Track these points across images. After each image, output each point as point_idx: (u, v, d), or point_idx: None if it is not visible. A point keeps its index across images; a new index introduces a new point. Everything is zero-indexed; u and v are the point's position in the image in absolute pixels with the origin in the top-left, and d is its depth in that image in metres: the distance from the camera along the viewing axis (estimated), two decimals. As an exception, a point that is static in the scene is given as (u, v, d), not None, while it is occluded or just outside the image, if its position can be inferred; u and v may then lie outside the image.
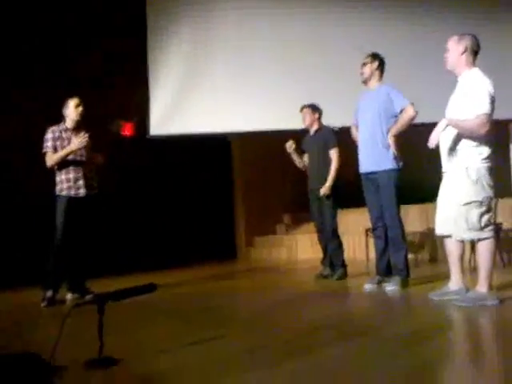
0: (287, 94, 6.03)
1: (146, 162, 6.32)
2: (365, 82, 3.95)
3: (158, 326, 3.08)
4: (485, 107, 3.01)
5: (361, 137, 3.94)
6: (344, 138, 4.43)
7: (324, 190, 4.49)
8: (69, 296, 4.01)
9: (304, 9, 6.23)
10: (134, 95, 6.28)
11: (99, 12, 6.13)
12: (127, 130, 6.99)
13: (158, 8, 6.29)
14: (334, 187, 4.52)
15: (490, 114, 3.04)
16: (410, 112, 3.71)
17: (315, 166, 4.66)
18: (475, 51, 3.17)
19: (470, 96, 3.07)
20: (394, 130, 3.74)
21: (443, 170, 3.28)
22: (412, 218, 5.54)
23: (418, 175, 5.48)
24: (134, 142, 6.38)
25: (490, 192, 3.12)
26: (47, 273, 3.92)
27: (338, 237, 4.63)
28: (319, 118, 4.71)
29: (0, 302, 4.34)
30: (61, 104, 4.06)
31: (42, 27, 5.85)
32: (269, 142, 6.93)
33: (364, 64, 3.92)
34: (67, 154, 3.92)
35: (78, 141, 3.87)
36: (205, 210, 6.88)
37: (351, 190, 4.51)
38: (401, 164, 3.82)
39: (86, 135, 3.91)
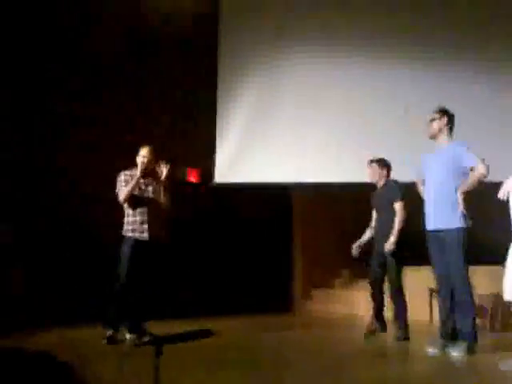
0: (351, 147, 6.06)
1: (207, 209, 6.46)
2: (433, 137, 3.91)
3: (213, 371, 3.06)
4: None
5: (428, 193, 3.86)
6: (409, 193, 4.35)
7: (388, 245, 4.36)
8: (127, 336, 4.06)
9: (375, 59, 6.29)
10: (201, 143, 6.54)
11: (174, 64, 6.50)
12: (193, 176, 7.21)
13: (229, 60, 6.57)
14: (399, 243, 4.39)
15: None
16: (481, 170, 3.60)
17: (381, 220, 4.58)
18: None
19: None
20: (464, 188, 3.63)
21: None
22: (480, 280, 5.25)
23: (487, 235, 5.25)
24: (197, 190, 6.57)
25: None
26: (109, 312, 4.04)
27: (403, 295, 4.45)
28: (387, 174, 4.65)
29: (63, 336, 4.48)
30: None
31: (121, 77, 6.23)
32: (330, 195, 6.96)
33: (432, 120, 3.89)
34: (136, 182, 4.12)
35: (139, 167, 4.11)
36: (263, 259, 6.86)
37: (414, 246, 4.37)
38: (470, 223, 3.69)
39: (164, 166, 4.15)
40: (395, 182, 4.63)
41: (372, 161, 4.69)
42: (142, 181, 4.22)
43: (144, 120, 6.17)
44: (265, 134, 6.41)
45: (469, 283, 3.67)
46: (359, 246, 4.69)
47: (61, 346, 4.02)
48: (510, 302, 3.15)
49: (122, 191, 4.17)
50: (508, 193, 3.07)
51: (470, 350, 3.53)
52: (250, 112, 6.55)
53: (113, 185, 4.22)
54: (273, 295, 6.66)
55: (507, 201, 3.14)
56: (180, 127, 6.37)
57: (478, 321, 3.90)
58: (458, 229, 3.66)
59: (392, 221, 4.43)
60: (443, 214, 3.72)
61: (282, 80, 6.47)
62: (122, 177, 4.24)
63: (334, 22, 6.40)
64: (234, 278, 6.56)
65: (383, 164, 4.65)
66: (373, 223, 4.72)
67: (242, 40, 6.63)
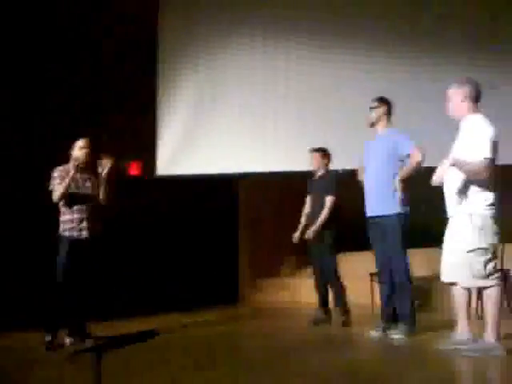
0: (293, 136, 6.11)
1: (149, 202, 6.31)
2: (372, 125, 3.99)
3: (157, 372, 3.00)
4: (486, 152, 3.04)
5: (367, 180, 3.95)
6: (350, 181, 4.44)
7: (309, 233, 4.55)
8: (67, 340, 3.89)
9: (315, 53, 6.33)
10: (142, 136, 6.37)
11: (109, 55, 6.28)
12: (134, 169, 7.05)
13: (168, 50, 6.52)
14: (332, 230, 4.53)
15: (492, 159, 3.06)
16: (416, 158, 3.72)
17: (315, 209, 4.68)
18: (475, 97, 3.22)
19: (472, 141, 3.10)
20: (402, 175, 3.74)
21: (448, 214, 3.27)
22: (418, 263, 5.46)
23: (424, 219, 5.45)
24: (138, 182, 6.41)
25: (494, 239, 3.10)
26: (47, 316, 3.86)
27: (340, 280, 4.58)
28: (327, 164, 4.74)
29: (3, 343, 4.24)
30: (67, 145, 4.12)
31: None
32: (273, 184, 7.01)
33: (371, 108, 3.97)
34: (71, 179, 3.89)
35: (72, 164, 3.90)
36: (209, 253, 6.82)
37: (355, 233, 4.49)
38: (408, 209, 3.81)
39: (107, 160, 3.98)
40: (332, 174, 4.73)
41: (314, 149, 4.76)
42: (79, 175, 4.02)
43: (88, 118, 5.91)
44: (206, 126, 6.38)
45: (407, 267, 3.80)
46: (300, 233, 4.76)
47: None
48: (447, 283, 3.28)
49: (57, 189, 3.94)
50: (442, 178, 3.18)
51: (410, 331, 3.67)
52: (190, 104, 6.49)
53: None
54: (219, 287, 6.65)
55: (442, 185, 3.26)
56: (120, 121, 6.17)
57: (416, 302, 4.04)
58: (396, 214, 3.77)
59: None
60: (382, 200, 3.82)
61: (222, 73, 6.44)
62: (56, 173, 3.99)
63: (275, 12, 6.39)
64: (180, 272, 6.48)
65: (323, 153, 4.73)
66: (307, 209, 4.81)
67: (180, 33, 6.55)
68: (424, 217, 5.45)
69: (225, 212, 7.12)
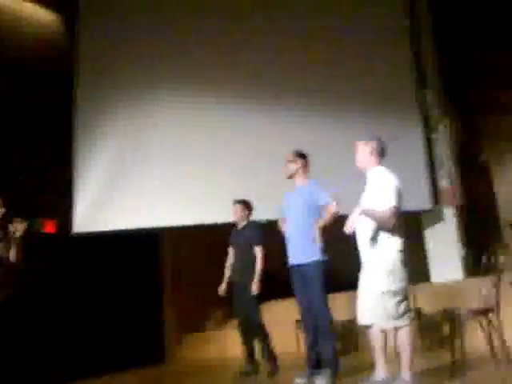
0: (215, 188, 6.21)
1: (66, 260, 6.03)
2: (289, 177, 4.16)
3: None
4: (392, 200, 3.31)
5: (289, 230, 4.09)
6: (271, 231, 4.55)
7: (254, 288, 4.54)
8: None
9: (235, 104, 6.57)
10: (56, 192, 6.15)
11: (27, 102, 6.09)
12: (49, 227, 6.72)
13: (85, 105, 6.35)
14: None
15: (398, 207, 3.33)
16: (332, 209, 3.91)
17: (239, 259, 4.73)
18: (380, 152, 3.53)
19: (379, 191, 3.37)
20: (320, 224, 3.90)
21: (362, 260, 3.47)
22: (340, 306, 5.62)
23: (343, 263, 5.68)
24: (54, 241, 6.14)
25: (403, 283, 3.33)
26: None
27: (265, 330, 4.61)
28: (249, 215, 4.85)
29: None
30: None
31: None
32: (198, 237, 6.99)
33: (288, 161, 4.16)
34: None
35: None
36: (132, 311, 6.56)
37: (278, 281, 4.58)
38: (326, 256, 3.95)
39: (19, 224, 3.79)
40: (256, 224, 4.85)
41: (236, 201, 4.87)
42: None
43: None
44: (127, 181, 6.25)
45: (328, 312, 3.91)
46: (225, 285, 4.78)
47: None
48: (363, 326, 3.42)
49: None
50: (353, 226, 3.38)
51: (333, 377, 3.75)
52: (109, 158, 6.33)
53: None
54: (144, 346, 6.40)
55: (354, 232, 3.47)
56: (33, 175, 5.94)
57: (338, 346, 4.14)
58: (316, 262, 3.91)
59: (251, 261, 4.62)
60: (302, 248, 3.96)
61: (143, 123, 6.43)
62: None
63: (196, 57, 6.57)
64: (102, 334, 6.15)
65: (245, 205, 4.85)
66: (229, 261, 4.87)
67: (100, 83, 6.43)
68: (344, 261, 5.69)
69: (148, 267, 6.96)
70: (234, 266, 4.80)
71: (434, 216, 7.36)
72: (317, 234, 3.88)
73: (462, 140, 7.98)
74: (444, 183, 7.33)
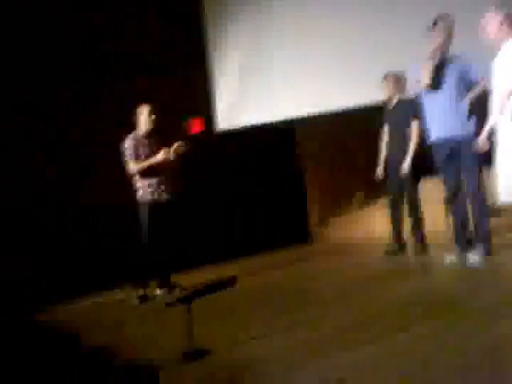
0: (349, 71, 5.95)
1: (213, 157, 6.47)
2: (433, 53, 3.76)
3: (244, 315, 3.21)
4: None
5: (434, 102, 3.79)
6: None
7: (405, 167, 4.39)
8: (158, 292, 4.23)
9: None
10: (197, 92, 6.46)
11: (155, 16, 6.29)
12: (196, 126, 7.18)
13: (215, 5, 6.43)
14: (413, 159, 4.39)
15: None
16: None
17: (395, 139, 4.54)
18: None
19: None
20: (470, 97, 3.63)
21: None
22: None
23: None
24: (198, 139, 6.57)
25: None
26: (138, 273, 4.20)
27: (420, 210, 4.51)
28: (402, 90, 4.56)
29: (95, 302, 4.67)
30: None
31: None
32: (335, 122, 6.91)
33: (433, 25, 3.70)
34: (151, 165, 4.12)
35: (163, 155, 4.08)
36: (278, 197, 6.94)
37: (426, 158, 4.36)
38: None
39: (178, 145, 4.13)
40: (409, 99, 4.51)
41: (387, 74, 4.58)
42: (146, 141, 4.20)
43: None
44: (258, 74, 6.34)
45: (483, 188, 3.70)
46: (382, 166, 4.65)
47: (92, 312, 4.24)
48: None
49: (134, 165, 4.11)
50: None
51: (486, 252, 3.63)
52: (242, 53, 6.42)
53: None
54: (290, 228, 6.81)
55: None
56: (172, 80, 6.28)
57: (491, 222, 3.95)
58: (471, 134, 3.63)
59: (406, 138, 4.41)
60: (453, 121, 3.70)
61: (271, 17, 6.30)
62: (129, 142, 4.15)
63: None
64: (253, 218, 6.67)
65: (398, 77, 4.55)
66: (384, 140, 4.69)
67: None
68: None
69: (288, 157, 7.17)
70: (389, 143, 4.62)
71: None
72: (469, 105, 3.61)
73: None
74: None
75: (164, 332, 2.65)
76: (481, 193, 3.70)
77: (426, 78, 3.73)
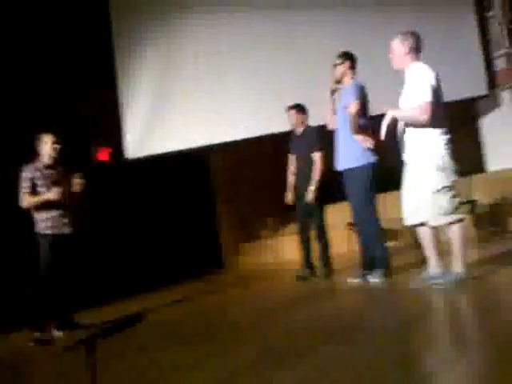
0: (260, 101, 6.16)
1: (121, 187, 6.29)
2: (338, 82, 4.01)
3: (155, 352, 3.06)
4: (425, 96, 3.15)
5: (336, 135, 4.04)
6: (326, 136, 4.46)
7: (309, 195, 4.53)
8: (56, 334, 3.91)
9: (279, 11, 6.32)
10: (105, 120, 6.29)
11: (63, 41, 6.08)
12: (103, 155, 6.99)
13: (123, 27, 6.40)
14: (319, 186, 4.54)
15: (431, 102, 3.16)
16: (350, 109, 3.80)
17: (301, 167, 4.69)
18: (417, 48, 3.33)
19: (413, 87, 3.22)
20: (350, 129, 3.83)
21: (404, 159, 3.38)
22: (391, 205, 5.61)
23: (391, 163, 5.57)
24: (108, 168, 6.38)
25: (455, 176, 3.25)
26: (34, 313, 3.88)
27: (327, 235, 4.68)
28: (305, 120, 4.73)
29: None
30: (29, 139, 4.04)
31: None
32: (245, 150, 7.04)
33: (335, 65, 3.98)
34: (45, 201, 3.92)
35: (54, 193, 3.89)
36: (190, 227, 6.88)
37: (331, 185, 4.56)
38: (374, 158, 3.87)
39: (78, 181, 3.97)
40: (314, 128, 4.69)
41: (290, 107, 4.74)
42: (48, 171, 4.00)
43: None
44: (170, 102, 6.35)
45: (375, 214, 3.90)
46: (291, 192, 4.77)
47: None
48: (412, 226, 3.42)
49: (27, 200, 3.89)
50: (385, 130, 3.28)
51: (384, 275, 3.83)
52: (152, 82, 6.42)
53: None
54: (203, 256, 6.76)
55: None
56: (81, 108, 6.08)
57: (390, 244, 4.17)
58: (360, 165, 3.86)
59: (311, 165, 4.57)
60: (347, 153, 3.91)
61: (183, 42, 6.42)
62: (26, 174, 3.91)
63: None
64: (163, 249, 6.54)
65: (300, 109, 4.71)
66: (291, 167, 4.82)
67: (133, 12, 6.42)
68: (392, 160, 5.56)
69: (199, 185, 7.16)
70: (296, 170, 4.75)
71: (490, 102, 6.92)
72: (356, 136, 3.80)
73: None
74: (500, 63, 6.80)
75: (60, 381, 2.44)
76: (371, 219, 3.87)
77: (328, 119, 4.03)
